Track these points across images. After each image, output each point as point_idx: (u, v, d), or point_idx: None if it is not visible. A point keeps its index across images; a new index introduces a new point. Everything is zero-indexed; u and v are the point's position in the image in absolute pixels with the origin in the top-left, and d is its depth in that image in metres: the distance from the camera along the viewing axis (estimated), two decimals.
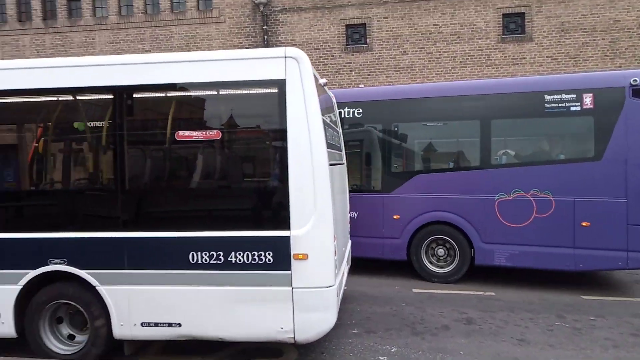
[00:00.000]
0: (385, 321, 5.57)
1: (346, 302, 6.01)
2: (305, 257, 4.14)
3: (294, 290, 4.17)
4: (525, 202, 6.80)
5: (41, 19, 18.88)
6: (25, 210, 4.79)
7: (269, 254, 4.18)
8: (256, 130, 4.63)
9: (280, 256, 4.16)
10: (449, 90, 7.51)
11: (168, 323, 4.31)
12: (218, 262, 4.22)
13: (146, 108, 4.74)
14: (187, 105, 4.69)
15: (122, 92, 4.40)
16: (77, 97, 4.63)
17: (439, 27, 14.75)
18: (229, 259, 4.21)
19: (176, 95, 4.54)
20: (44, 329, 4.51)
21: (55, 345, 4.54)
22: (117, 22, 17.07)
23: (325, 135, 4.37)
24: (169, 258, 4.27)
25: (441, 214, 7.26)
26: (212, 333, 4.32)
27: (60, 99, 4.67)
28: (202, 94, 4.52)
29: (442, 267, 7.41)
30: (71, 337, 4.64)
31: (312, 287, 4.18)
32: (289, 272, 4.16)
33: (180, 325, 4.30)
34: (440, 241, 7.40)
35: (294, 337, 4.20)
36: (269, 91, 4.33)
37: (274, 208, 4.37)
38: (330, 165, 4.41)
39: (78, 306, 4.45)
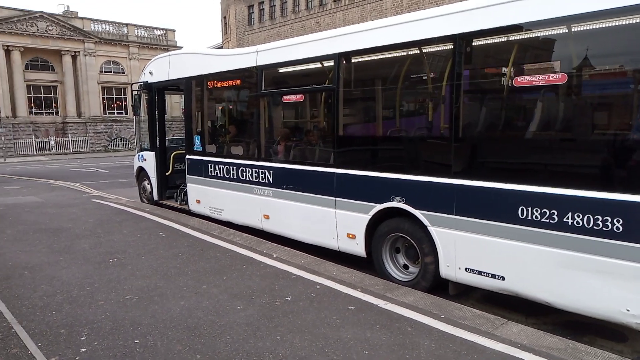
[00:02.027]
0: None
1: None
2: None
3: None
4: None
5: None
6: (375, 153, 5.61)
7: (618, 220, 3.47)
8: (614, 71, 3.79)
9: (635, 225, 3.40)
10: None
11: (491, 274, 4.28)
12: (551, 221, 3.82)
13: (486, 55, 4.62)
14: (529, 48, 4.29)
15: (462, 40, 4.40)
16: (418, 50, 4.94)
17: None
18: (565, 219, 3.74)
19: (519, 38, 4.20)
20: (385, 255, 5.28)
21: (392, 271, 5.27)
22: None
23: None
24: (497, 210, 4.16)
25: None
26: (538, 295, 4.03)
27: (403, 52, 5.09)
28: (547, 32, 4.02)
29: None
30: (405, 267, 5.26)
31: None
32: None
33: (503, 278, 4.20)
34: None
35: None
36: None
37: (631, 167, 3.57)
38: None
39: (412, 241, 4.98)
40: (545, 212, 3.85)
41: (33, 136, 37.99)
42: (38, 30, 38.05)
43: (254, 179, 6.94)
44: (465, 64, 4.45)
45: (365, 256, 5.47)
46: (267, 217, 6.81)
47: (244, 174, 7.14)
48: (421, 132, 5.20)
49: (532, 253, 3.96)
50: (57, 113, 40.85)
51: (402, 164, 5.09)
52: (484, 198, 4.26)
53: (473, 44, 4.45)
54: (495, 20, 4.17)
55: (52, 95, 40.72)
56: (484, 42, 4.47)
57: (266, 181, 6.73)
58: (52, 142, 38.44)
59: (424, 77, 5.02)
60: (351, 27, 5.72)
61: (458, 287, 4.78)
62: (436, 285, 4.83)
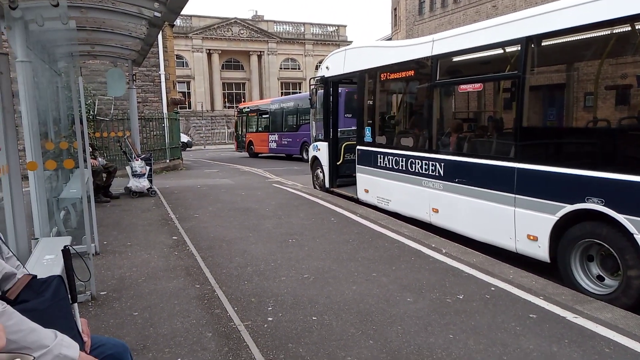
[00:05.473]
0: None
1: None
2: None
3: None
4: None
5: None
6: (567, 147, 4.98)
7: None
8: None
9: None
10: None
11: None
12: None
13: None
14: None
15: None
16: (630, 26, 4.19)
17: None
18: None
19: None
20: (574, 262, 4.66)
21: (583, 280, 4.63)
22: None
23: None
24: None
25: None
26: None
27: (607, 31, 4.37)
28: None
29: None
30: (600, 278, 4.58)
31: None
32: None
33: None
34: None
35: None
36: None
37: None
38: None
39: (611, 250, 4.31)
40: None
41: (225, 127, 43.84)
42: (232, 34, 43.57)
43: (424, 171, 6.83)
44: None
45: (548, 261, 4.93)
46: (436, 211, 6.64)
47: (414, 165, 7.07)
48: (632, 123, 4.42)
49: None
50: None
51: (602, 160, 4.41)
52: None
53: None
54: None
55: (241, 91, 46.41)
56: None
57: (436, 174, 6.56)
58: None
59: (635, 59, 4.25)
60: (544, 7, 5.14)
61: None
62: None
